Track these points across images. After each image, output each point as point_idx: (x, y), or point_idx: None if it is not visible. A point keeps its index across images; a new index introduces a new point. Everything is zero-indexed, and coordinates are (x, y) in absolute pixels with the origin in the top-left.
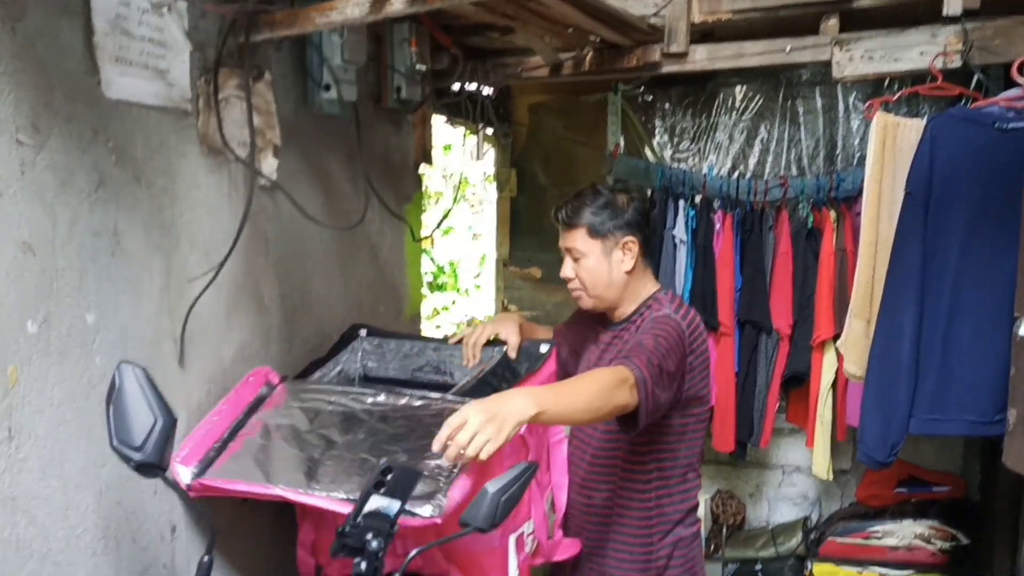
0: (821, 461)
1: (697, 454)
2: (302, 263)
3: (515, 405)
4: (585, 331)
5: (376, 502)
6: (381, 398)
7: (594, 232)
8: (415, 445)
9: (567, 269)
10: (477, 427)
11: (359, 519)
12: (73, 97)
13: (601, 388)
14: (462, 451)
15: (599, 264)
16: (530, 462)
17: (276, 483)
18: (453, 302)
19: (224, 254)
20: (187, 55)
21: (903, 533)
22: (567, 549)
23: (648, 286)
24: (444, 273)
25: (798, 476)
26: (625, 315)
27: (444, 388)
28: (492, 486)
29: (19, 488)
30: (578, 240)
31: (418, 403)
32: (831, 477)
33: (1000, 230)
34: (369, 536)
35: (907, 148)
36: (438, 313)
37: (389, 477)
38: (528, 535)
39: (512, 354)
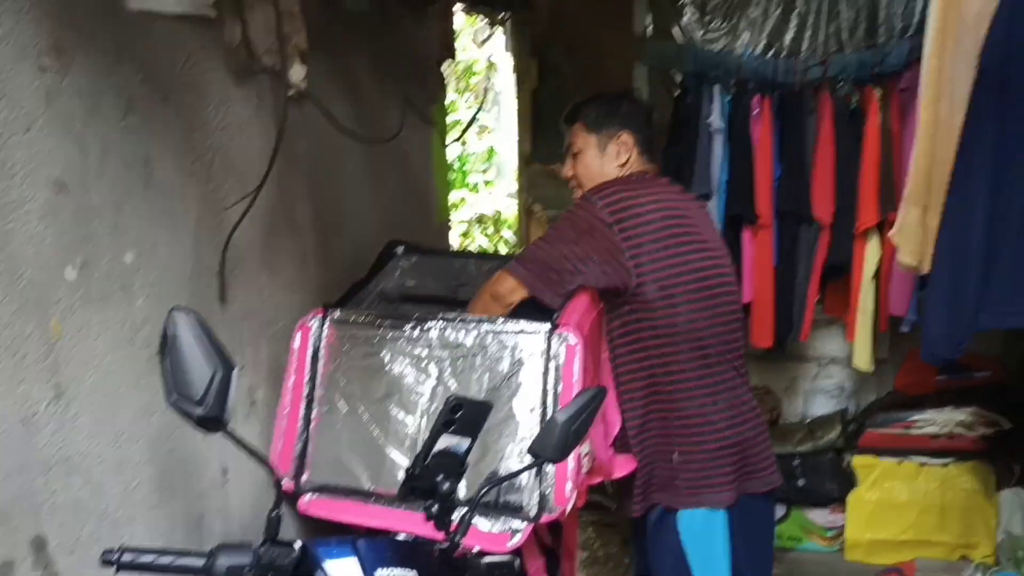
0: (863, 353)
1: (692, 340)
2: (334, 178)
3: None
4: None
5: (446, 440)
6: (434, 334)
7: (589, 126)
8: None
9: (566, 167)
10: None
11: (428, 460)
12: (94, 11)
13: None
14: None
15: (594, 158)
16: (598, 387)
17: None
18: (463, 200)
19: (260, 176)
20: None
21: (944, 421)
22: (623, 466)
23: None
24: (452, 170)
25: (834, 368)
26: None
27: None
28: (561, 416)
29: (72, 448)
30: (577, 135)
31: (472, 334)
32: (872, 368)
33: None
34: (440, 477)
35: (971, 18)
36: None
37: (459, 414)
38: (585, 455)
39: None
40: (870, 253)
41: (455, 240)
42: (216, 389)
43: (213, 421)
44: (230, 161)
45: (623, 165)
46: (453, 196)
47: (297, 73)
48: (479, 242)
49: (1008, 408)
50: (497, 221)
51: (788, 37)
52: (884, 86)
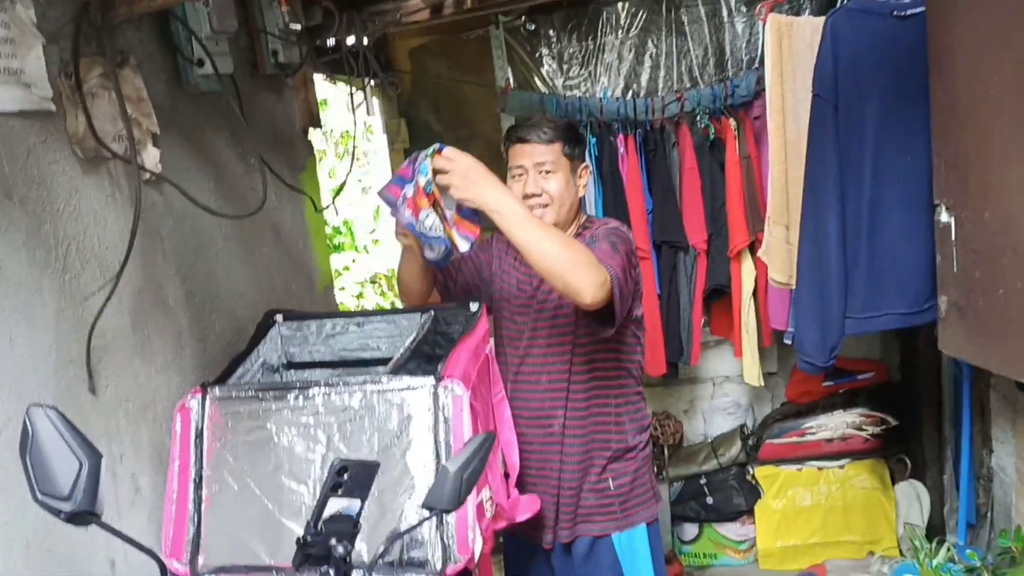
0: (751, 368)
1: (641, 369)
2: (203, 255)
3: (487, 193)
4: (501, 249)
5: (336, 504)
6: (319, 400)
7: (566, 151)
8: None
9: (532, 184)
10: (456, 173)
11: (320, 525)
12: None
13: (573, 254)
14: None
15: (568, 183)
16: (487, 433)
17: (279, 572)
18: (353, 261)
19: (119, 262)
20: (40, 50)
21: (835, 424)
22: (527, 507)
23: (579, 213)
24: (340, 233)
25: (728, 385)
26: None
27: (374, 363)
28: (451, 465)
29: None
30: (555, 155)
31: (357, 396)
32: (762, 383)
33: (910, 118)
34: (333, 541)
35: (803, 47)
36: (339, 274)
37: (346, 476)
38: (487, 500)
39: None
40: (746, 273)
41: (350, 302)
42: (84, 482)
43: (84, 515)
44: (87, 249)
45: (582, 197)
46: (344, 258)
47: (150, 157)
48: (374, 302)
49: (893, 405)
50: (390, 279)
51: (644, 78)
52: (737, 116)
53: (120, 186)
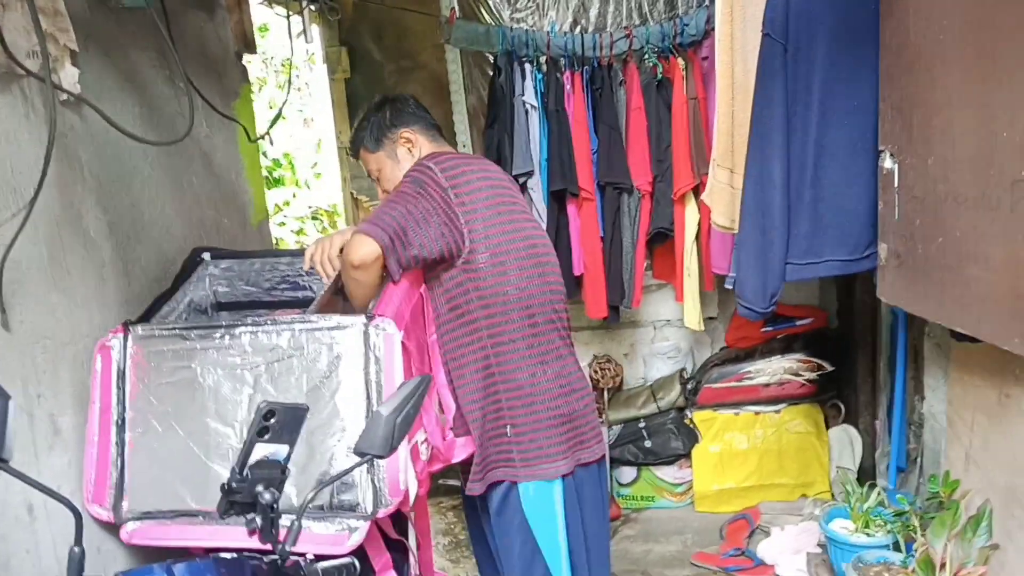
0: (692, 313)
1: (522, 308)
2: (127, 184)
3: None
4: None
5: (263, 449)
6: (247, 339)
7: (371, 147)
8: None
9: (380, 192)
10: (319, 250)
11: (246, 471)
12: None
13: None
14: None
15: (392, 169)
16: (421, 376)
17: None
18: (294, 195)
19: (34, 188)
20: None
21: (773, 369)
22: (464, 448)
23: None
24: (280, 166)
25: (669, 329)
26: None
27: (306, 303)
28: (384, 409)
29: None
30: (368, 162)
31: (285, 335)
32: (703, 327)
33: (859, 62)
34: (260, 488)
35: None
36: (280, 209)
37: (272, 420)
38: (422, 443)
39: None
40: (690, 216)
41: (290, 238)
42: None
43: None
44: None
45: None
46: (284, 193)
47: (68, 76)
48: (315, 237)
49: (830, 351)
50: (332, 214)
51: (593, 12)
52: (686, 55)
53: (35, 107)
